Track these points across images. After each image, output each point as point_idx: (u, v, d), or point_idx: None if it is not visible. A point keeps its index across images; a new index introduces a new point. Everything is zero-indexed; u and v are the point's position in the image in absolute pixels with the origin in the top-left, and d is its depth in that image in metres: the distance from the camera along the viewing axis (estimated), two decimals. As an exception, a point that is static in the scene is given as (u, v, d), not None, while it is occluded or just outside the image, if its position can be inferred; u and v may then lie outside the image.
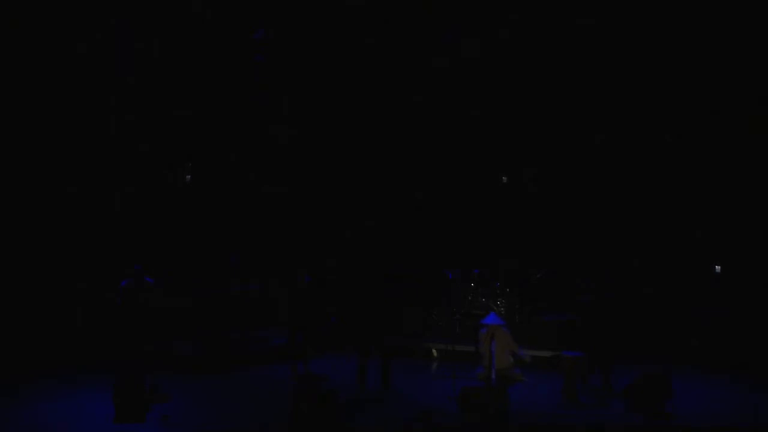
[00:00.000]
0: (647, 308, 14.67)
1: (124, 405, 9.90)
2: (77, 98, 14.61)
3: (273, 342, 14.01)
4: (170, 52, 15.50)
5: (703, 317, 14.60)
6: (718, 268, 15.43)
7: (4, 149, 13.98)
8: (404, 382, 11.96)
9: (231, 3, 16.09)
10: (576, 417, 10.23)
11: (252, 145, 16.53)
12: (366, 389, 11.50)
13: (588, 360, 11.18)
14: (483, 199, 16.90)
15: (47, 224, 14.23)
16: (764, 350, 13.42)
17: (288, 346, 12.64)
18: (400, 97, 16.90)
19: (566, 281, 14.74)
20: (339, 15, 16.75)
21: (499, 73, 16.70)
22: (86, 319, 13.63)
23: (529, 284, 14.69)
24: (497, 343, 10.96)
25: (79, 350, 13.11)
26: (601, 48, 16.14)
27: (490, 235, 16.39)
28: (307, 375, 12.24)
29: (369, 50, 16.91)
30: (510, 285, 14.64)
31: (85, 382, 11.76)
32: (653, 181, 16.03)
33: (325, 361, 13.33)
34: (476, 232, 16.50)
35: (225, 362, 12.99)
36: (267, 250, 16.10)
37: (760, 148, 15.42)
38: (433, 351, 14.05)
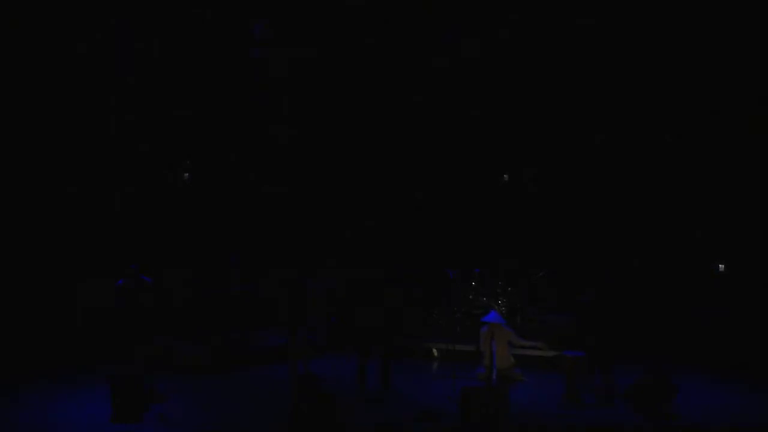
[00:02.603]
0: (647, 308, 14.66)
1: (123, 405, 9.90)
2: (77, 98, 14.59)
3: (273, 342, 14.00)
4: (170, 52, 15.48)
5: (703, 317, 14.59)
6: (721, 266, 15.41)
7: (4, 149, 13.97)
8: (404, 382, 11.94)
9: (231, 3, 16.08)
10: (577, 417, 10.21)
11: (252, 145, 16.51)
12: (366, 389, 11.48)
13: (589, 360, 11.17)
14: (483, 199, 16.87)
15: (47, 224, 14.21)
16: (764, 350, 13.43)
17: (288, 346, 12.63)
18: (400, 97, 16.87)
19: (566, 281, 14.72)
20: (339, 15, 16.74)
21: (499, 73, 16.68)
22: (86, 319, 13.61)
23: (530, 284, 14.66)
24: (497, 342, 10.97)
25: (79, 350, 13.11)
26: (601, 48, 16.12)
27: (491, 234, 16.37)
28: (307, 375, 12.21)
29: (369, 50, 16.89)
30: (511, 284, 14.62)
31: (85, 382, 11.77)
32: (653, 181, 16.02)
33: (325, 361, 13.32)
34: (476, 231, 16.47)
35: (225, 362, 12.98)
36: (267, 250, 16.08)
37: (760, 148, 15.40)
38: (434, 351, 14.04)
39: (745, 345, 13.73)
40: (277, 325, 14.12)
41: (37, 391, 11.31)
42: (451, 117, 16.95)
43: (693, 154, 15.81)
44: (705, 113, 15.70)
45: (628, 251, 15.87)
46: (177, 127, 15.65)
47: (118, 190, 14.93)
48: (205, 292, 14.26)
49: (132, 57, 15.13)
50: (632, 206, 16.05)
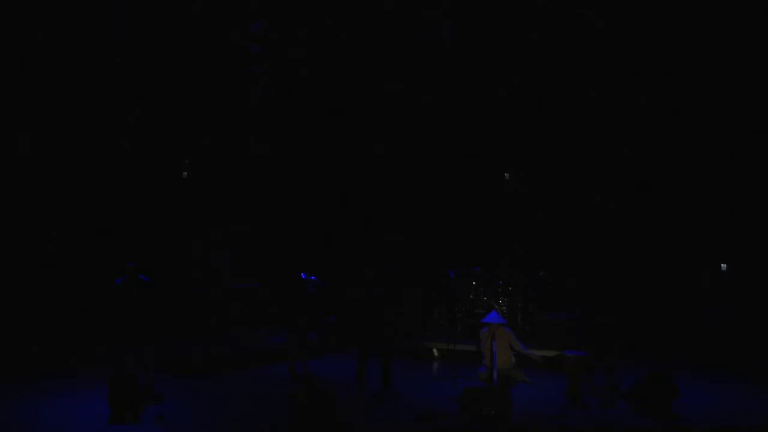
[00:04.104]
0: (649, 308, 14.60)
1: (120, 406, 9.84)
2: (76, 98, 14.54)
3: (272, 342, 13.95)
4: (169, 51, 15.42)
5: (706, 317, 14.53)
6: (723, 266, 15.35)
7: (4, 149, 13.93)
8: (405, 382, 11.87)
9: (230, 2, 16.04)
10: (580, 418, 10.14)
11: (250, 142, 16.45)
12: (366, 389, 11.42)
13: (592, 360, 11.10)
14: (484, 198, 16.80)
15: (46, 223, 14.17)
16: (765, 350, 13.37)
17: (287, 346, 12.58)
18: (404, 96, 16.80)
19: (568, 280, 14.66)
20: (340, 14, 16.70)
21: (500, 73, 16.62)
22: (86, 319, 13.56)
23: (531, 283, 14.58)
24: (498, 342, 10.89)
25: (79, 350, 13.06)
26: (601, 48, 16.07)
27: (491, 234, 16.30)
28: (306, 375, 12.18)
29: (370, 51, 16.84)
30: (512, 284, 14.55)
31: (84, 381, 11.70)
32: (653, 181, 15.94)
33: (325, 361, 13.28)
34: (477, 231, 16.40)
35: (224, 362, 12.91)
36: (266, 249, 16.02)
37: (760, 147, 15.33)
38: (434, 351, 13.97)
39: (746, 345, 13.68)
40: (276, 325, 14.06)
41: (35, 391, 11.25)
42: (452, 117, 16.88)
43: (693, 154, 15.75)
44: (704, 113, 15.62)
45: (630, 251, 15.79)
46: (176, 126, 15.58)
47: (117, 189, 14.85)
48: (203, 291, 14.18)
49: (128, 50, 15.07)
50: (633, 206, 15.98)
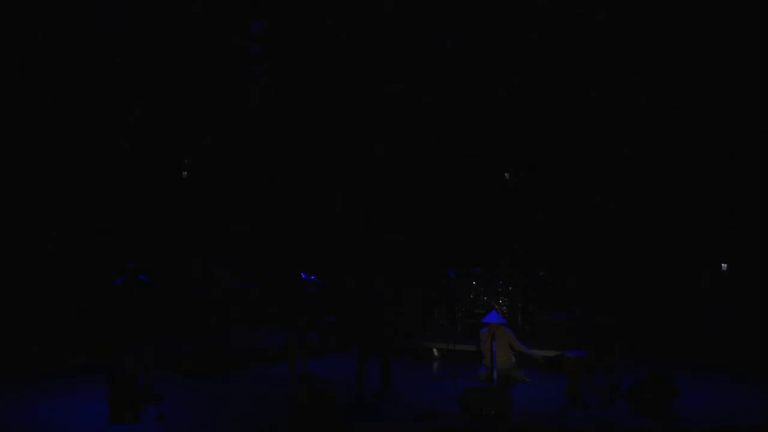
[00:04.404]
0: (649, 308, 14.59)
1: (120, 406, 9.84)
2: (75, 99, 14.53)
3: (272, 342, 13.94)
4: (169, 50, 15.41)
5: (706, 317, 14.52)
6: (723, 266, 15.35)
7: (5, 149, 13.92)
8: (405, 382, 11.87)
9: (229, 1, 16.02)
10: (580, 418, 10.14)
11: (250, 142, 16.44)
12: (366, 389, 11.42)
13: (591, 359, 11.09)
14: (484, 198, 16.79)
15: (46, 224, 14.16)
16: (765, 350, 13.36)
17: (287, 346, 12.57)
18: (404, 96, 16.78)
19: (568, 280, 14.64)
20: (341, 13, 16.68)
21: (500, 73, 16.61)
22: (86, 319, 13.55)
23: (531, 283, 14.58)
24: (498, 342, 10.89)
25: (79, 350, 13.05)
26: (601, 48, 16.05)
27: (491, 234, 16.29)
28: (305, 375, 12.18)
29: (371, 49, 16.83)
30: (512, 284, 14.54)
31: (84, 382, 11.70)
32: (654, 181, 15.93)
33: (325, 361, 13.27)
34: (477, 231, 16.39)
35: (224, 362, 12.91)
36: (266, 249, 16.01)
37: (760, 147, 15.31)
38: (434, 351, 13.96)
39: (746, 345, 13.66)
40: (276, 325, 14.05)
41: (35, 392, 11.25)
42: (452, 117, 16.86)
43: (693, 154, 15.73)
44: (704, 113, 15.61)
45: (630, 251, 15.78)
46: (176, 126, 15.56)
47: (116, 188, 14.84)
48: (203, 291, 14.19)
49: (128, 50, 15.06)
50: (634, 205, 15.97)
